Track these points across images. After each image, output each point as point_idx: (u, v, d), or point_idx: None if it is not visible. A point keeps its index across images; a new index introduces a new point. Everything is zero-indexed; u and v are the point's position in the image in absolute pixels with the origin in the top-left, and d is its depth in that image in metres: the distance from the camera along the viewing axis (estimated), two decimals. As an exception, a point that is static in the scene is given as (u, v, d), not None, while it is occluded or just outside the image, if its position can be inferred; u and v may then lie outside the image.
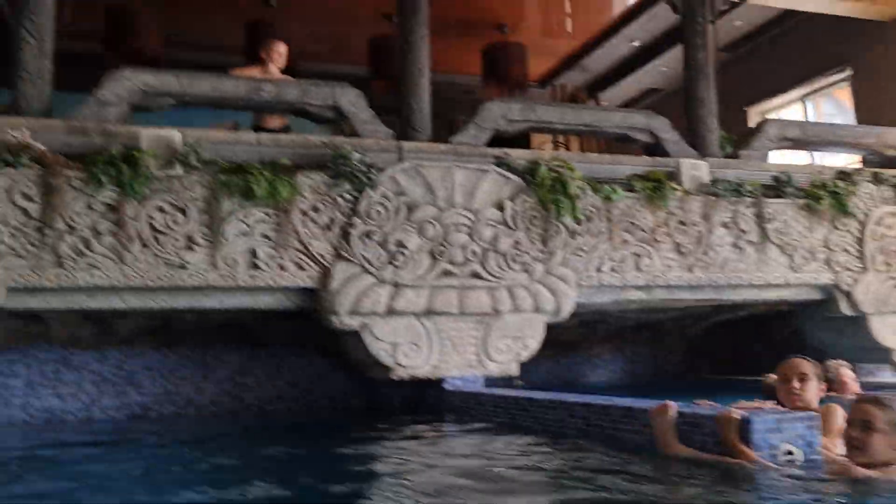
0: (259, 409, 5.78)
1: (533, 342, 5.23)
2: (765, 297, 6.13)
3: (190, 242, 4.55)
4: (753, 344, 7.32)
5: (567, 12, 9.69)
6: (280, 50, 6.57)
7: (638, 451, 3.23)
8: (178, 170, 4.62)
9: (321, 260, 4.78)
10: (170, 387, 5.60)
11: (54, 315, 4.86)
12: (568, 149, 10.89)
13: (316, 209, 4.82)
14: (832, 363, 4.83)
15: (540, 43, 10.22)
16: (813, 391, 3.37)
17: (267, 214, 4.71)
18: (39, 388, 5.29)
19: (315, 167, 5.00)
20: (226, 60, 8.57)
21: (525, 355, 5.21)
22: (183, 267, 4.52)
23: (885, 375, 6.44)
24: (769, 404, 3.27)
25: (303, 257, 4.76)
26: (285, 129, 6.35)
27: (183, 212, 4.55)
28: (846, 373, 4.84)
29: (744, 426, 2.82)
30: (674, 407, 3.11)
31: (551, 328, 5.46)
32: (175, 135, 4.71)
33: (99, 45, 8.03)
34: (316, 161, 5.06)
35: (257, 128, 6.27)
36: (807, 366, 3.42)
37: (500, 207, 5.20)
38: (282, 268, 4.70)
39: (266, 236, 4.70)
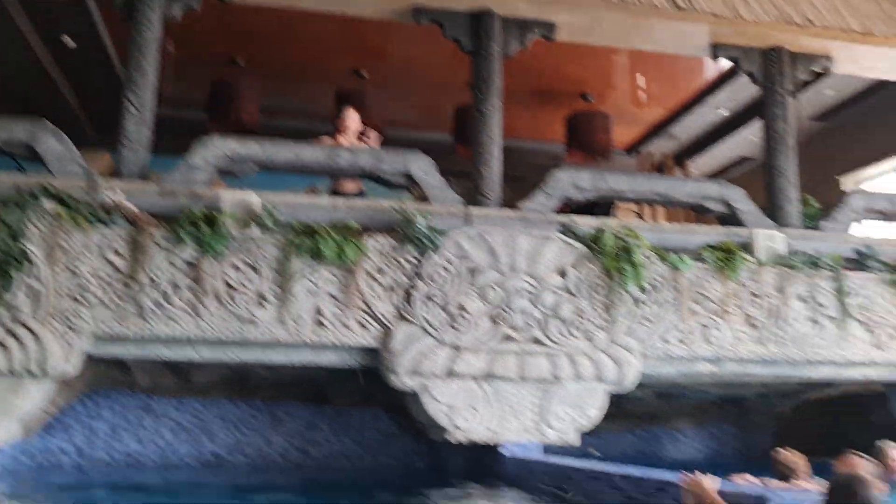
0: (325, 465, 5.93)
1: (594, 411, 5.17)
2: (847, 375, 5.85)
3: (261, 299, 4.81)
4: (848, 425, 6.93)
5: (654, 80, 9.71)
6: (350, 117, 6.91)
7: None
8: (255, 231, 4.91)
9: (383, 320, 4.93)
10: (241, 437, 5.84)
11: (137, 363, 5.19)
12: (654, 220, 10.76)
13: (381, 271, 5.00)
14: (884, 444, 4.65)
15: (627, 110, 10.25)
16: None
17: (334, 275, 4.92)
18: (122, 431, 5.64)
19: (384, 230, 5.21)
20: (319, 127, 9.02)
21: (586, 424, 5.15)
22: (253, 322, 4.76)
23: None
24: (775, 483, 3.22)
25: (366, 317, 4.92)
26: (360, 194, 6.63)
27: (255, 270, 4.82)
28: (892, 454, 4.66)
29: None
30: (707, 481, 3.05)
31: (625, 398, 5.37)
32: (254, 198, 5.02)
33: (203, 114, 8.63)
34: (386, 225, 5.28)
35: (335, 192, 6.58)
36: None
37: (563, 274, 5.23)
38: (345, 326, 4.88)
39: (332, 295, 4.90)
